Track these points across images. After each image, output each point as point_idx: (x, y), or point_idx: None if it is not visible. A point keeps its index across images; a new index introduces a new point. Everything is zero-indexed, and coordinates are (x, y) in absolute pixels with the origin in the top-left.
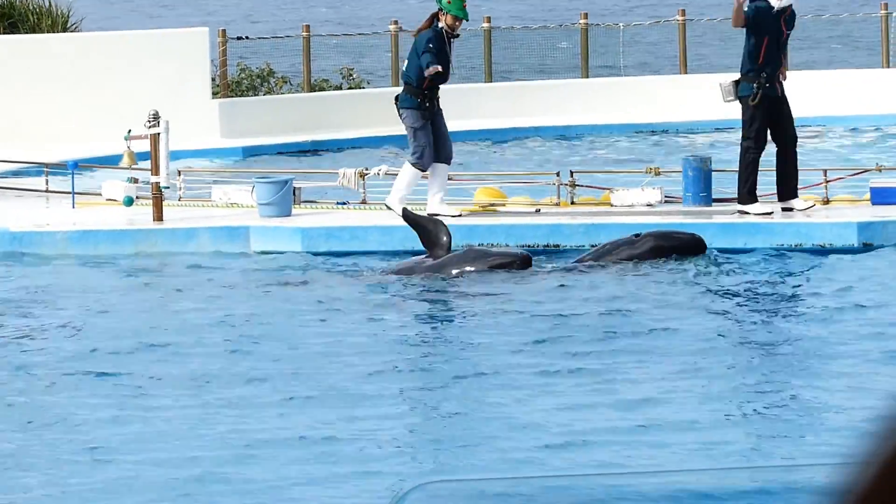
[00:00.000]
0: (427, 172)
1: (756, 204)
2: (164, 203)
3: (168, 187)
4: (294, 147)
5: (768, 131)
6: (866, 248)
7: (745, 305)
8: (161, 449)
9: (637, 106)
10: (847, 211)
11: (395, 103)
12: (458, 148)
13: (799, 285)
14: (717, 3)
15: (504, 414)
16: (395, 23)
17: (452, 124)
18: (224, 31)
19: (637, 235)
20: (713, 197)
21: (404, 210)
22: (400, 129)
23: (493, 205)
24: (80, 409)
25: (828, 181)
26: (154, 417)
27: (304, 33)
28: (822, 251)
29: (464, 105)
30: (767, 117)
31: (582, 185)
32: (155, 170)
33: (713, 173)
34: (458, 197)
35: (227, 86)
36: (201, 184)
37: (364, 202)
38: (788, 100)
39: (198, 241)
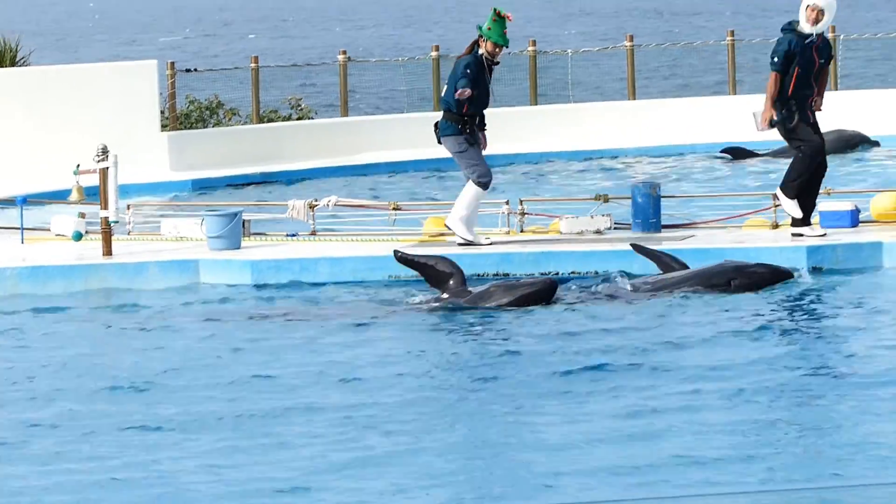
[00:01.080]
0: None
1: (795, 201)
2: (113, 237)
3: (117, 221)
4: (243, 179)
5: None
6: (815, 271)
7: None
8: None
9: (587, 132)
10: None
11: (435, 131)
12: (409, 177)
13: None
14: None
15: (539, 441)
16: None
17: (404, 153)
18: (173, 63)
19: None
20: (662, 223)
21: (395, 252)
22: (349, 159)
23: (441, 234)
24: (23, 445)
25: (777, 205)
26: (102, 459)
27: (253, 64)
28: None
29: (413, 134)
30: (810, 126)
31: (531, 214)
32: (104, 204)
33: (662, 199)
34: (408, 227)
35: (176, 118)
36: (151, 217)
37: (314, 233)
38: (819, 128)
39: (147, 275)
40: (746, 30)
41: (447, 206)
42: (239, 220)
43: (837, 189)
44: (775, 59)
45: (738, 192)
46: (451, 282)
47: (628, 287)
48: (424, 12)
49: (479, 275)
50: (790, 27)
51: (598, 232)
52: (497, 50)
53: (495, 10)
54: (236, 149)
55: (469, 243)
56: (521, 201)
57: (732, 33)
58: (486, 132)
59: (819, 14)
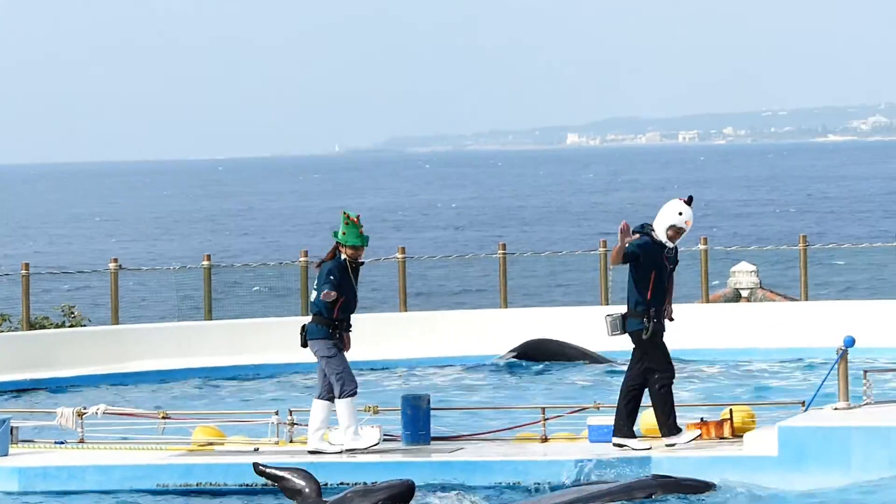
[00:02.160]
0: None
1: (682, 433)
2: None
3: None
4: (12, 385)
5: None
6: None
7: None
8: None
9: (356, 343)
10: (565, 448)
11: (301, 333)
12: (179, 386)
13: None
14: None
15: None
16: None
17: (174, 362)
18: None
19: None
20: (432, 435)
21: (255, 465)
22: (119, 367)
23: (211, 443)
24: None
25: (546, 419)
26: None
27: (24, 271)
28: (538, 489)
29: (183, 342)
30: (663, 346)
31: (300, 424)
32: None
33: (431, 411)
34: (176, 435)
35: None
36: None
37: (82, 441)
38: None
39: None
40: (518, 243)
41: (216, 414)
42: (7, 427)
43: (606, 403)
44: (630, 251)
45: (514, 403)
46: (307, 492)
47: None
48: (185, 225)
49: (245, 484)
50: (643, 230)
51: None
52: (358, 252)
53: (345, 213)
54: (5, 355)
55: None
56: (291, 411)
57: (504, 246)
58: (350, 334)
59: (679, 236)
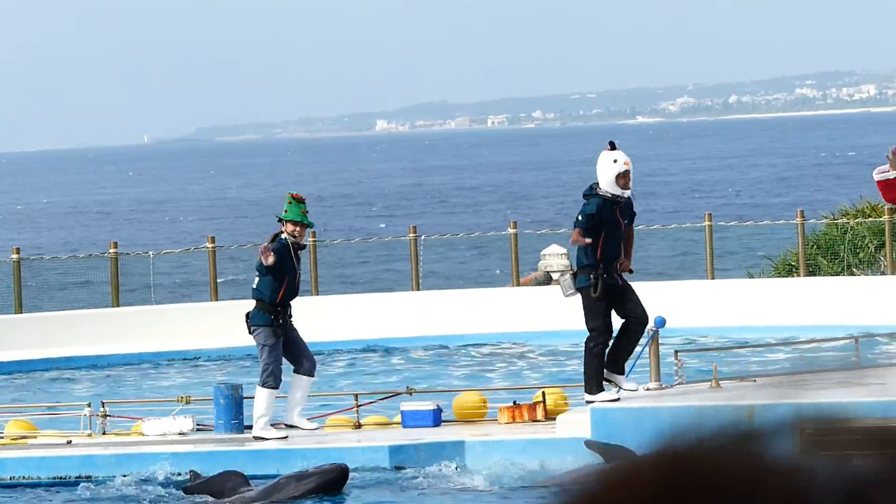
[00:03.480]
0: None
1: (603, 392)
2: None
3: None
4: None
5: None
6: (398, 470)
7: None
8: None
9: (171, 334)
10: (378, 434)
11: (246, 321)
12: None
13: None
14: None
15: None
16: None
17: None
18: None
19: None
20: (245, 424)
21: (185, 489)
22: None
23: (24, 437)
24: None
25: (359, 405)
26: None
27: None
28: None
29: None
30: (609, 307)
31: (113, 416)
32: None
33: (244, 400)
34: None
35: None
36: None
37: None
38: (632, 287)
39: None
40: (329, 231)
41: (29, 408)
42: None
43: (420, 388)
44: (580, 219)
45: (325, 391)
46: (232, 485)
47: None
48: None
49: (59, 477)
50: (592, 192)
51: (181, 433)
52: (300, 230)
53: (290, 194)
54: None
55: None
56: (103, 403)
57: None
58: (291, 319)
59: (628, 178)
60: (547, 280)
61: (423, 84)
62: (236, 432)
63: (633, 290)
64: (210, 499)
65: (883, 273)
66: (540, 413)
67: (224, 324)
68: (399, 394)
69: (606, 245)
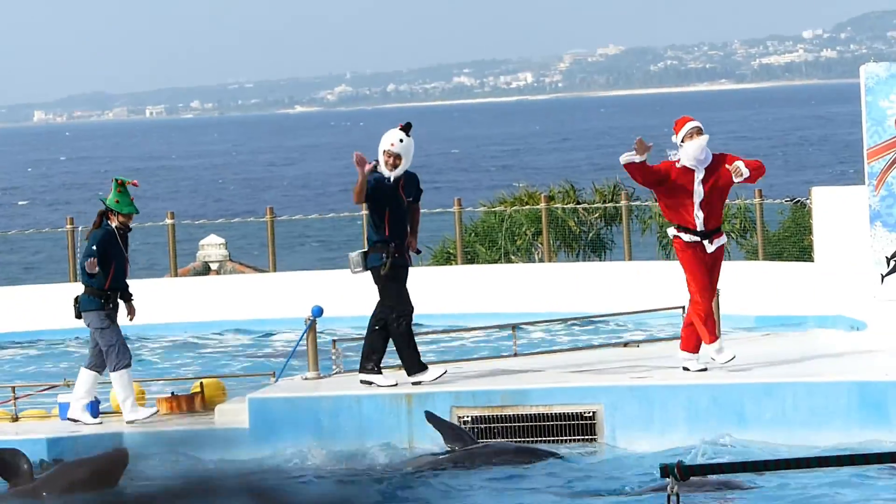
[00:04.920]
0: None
1: (427, 371)
2: None
3: None
4: None
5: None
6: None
7: None
8: None
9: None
10: (37, 426)
11: (75, 305)
12: None
13: None
14: None
15: None
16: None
17: None
18: None
19: None
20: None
21: None
22: None
23: None
24: None
25: (17, 398)
26: None
27: None
28: None
29: None
30: (403, 283)
31: None
32: None
33: None
34: None
35: None
36: None
37: None
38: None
39: None
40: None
41: None
42: None
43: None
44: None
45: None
46: (20, 476)
47: None
48: None
49: None
50: (375, 168)
51: None
52: (128, 219)
53: (116, 180)
54: None
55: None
56: None
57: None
58: (133, 302)
59: (396, 160)
60: (206, 270)
61: (80, 74)
62: None
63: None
64: None
65: (540, 260)
66: (198, 404)
67: None
68: (57, 386)
69: (392, 222)
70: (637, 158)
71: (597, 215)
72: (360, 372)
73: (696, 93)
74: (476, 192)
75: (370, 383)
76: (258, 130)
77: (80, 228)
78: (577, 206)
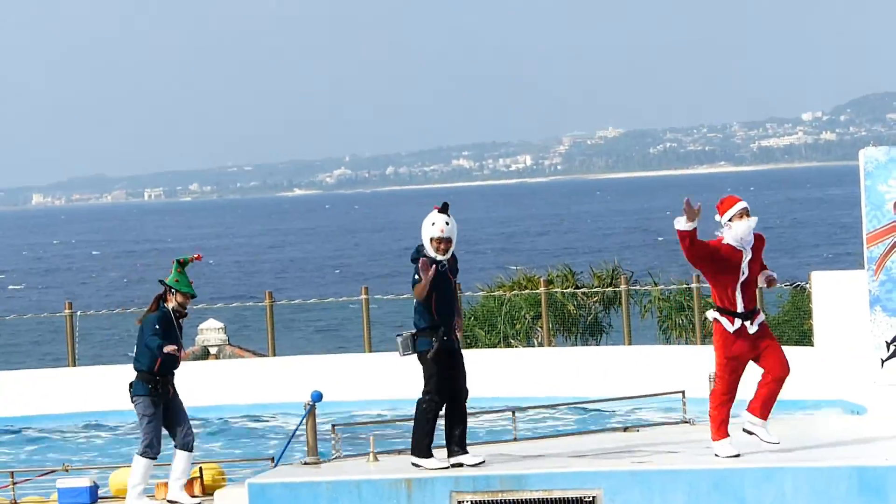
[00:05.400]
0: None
1: (429, 459)
2: None
3: None
4: None
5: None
6: None
7: None
8: None
9: None
10: None
11: (130, 391)
12: None
13: None
14: None
15: None
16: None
17: None
18: None
19: None
20: None
21: None
22: None
23: None
24: None
25: (15, 483)
26: None
27: None
28: None
29: None
30: (446, 370)
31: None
32: None
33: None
34: None
35: None
36: None
37: None
38: (462, 354)
39: None
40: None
41: None
42: None
43: (76, 465)
44: (416, 277)
45: None
46: None
47: None
48: None
49: None
50: (418, 254)
51: None
52: (187, 300)
53: (178, 261)
54: None
55: None
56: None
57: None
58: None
59: (447, 244)
60: (205, 354)
61: (80, 157)
62: None
63: (462, 358)
64: None
65: (540, 344)
66: (197, 489)
67: None
68: (55, 471)
69: (439, 305)
70: (689, 226)
71: (595, 299)
72: (447, 457)
73: (695, 175)
74: (471, 273)
75: (417, 465)
76: (255, 213)
77: (78, 313)
78: (577, 289)
